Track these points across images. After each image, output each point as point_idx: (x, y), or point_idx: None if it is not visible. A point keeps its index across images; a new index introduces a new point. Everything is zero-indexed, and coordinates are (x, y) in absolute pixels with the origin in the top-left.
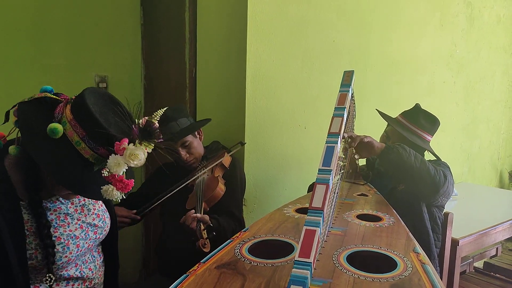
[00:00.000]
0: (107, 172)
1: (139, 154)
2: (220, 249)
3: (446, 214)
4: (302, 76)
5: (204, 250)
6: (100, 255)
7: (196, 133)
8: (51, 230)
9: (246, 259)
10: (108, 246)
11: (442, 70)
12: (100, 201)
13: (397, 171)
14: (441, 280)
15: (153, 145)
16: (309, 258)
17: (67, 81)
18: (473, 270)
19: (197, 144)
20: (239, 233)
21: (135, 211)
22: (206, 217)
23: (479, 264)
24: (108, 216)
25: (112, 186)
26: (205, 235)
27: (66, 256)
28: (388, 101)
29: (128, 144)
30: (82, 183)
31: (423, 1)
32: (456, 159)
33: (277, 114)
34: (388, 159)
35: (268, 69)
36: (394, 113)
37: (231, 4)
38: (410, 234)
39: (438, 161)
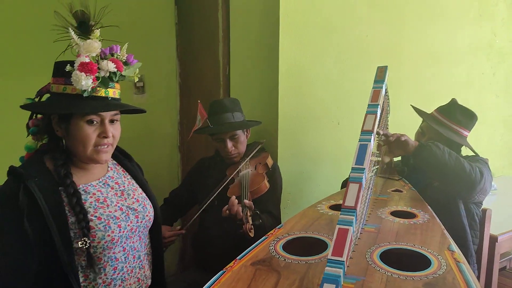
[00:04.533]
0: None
1: (90, 44)
2: (255, 246)
3: (484, 210)
4: (335, 71)
5: (250, 234)
6: (146, 247)
7: (244, 130)
8: (91, 211)
9: (280, 256)
10: (152, 236)
11: (481, 61)
12: (140, 190)
13: (431, 169)
14: (480, 277)
15: (97, 31)
16: (342, 256)
17: None
18: None
19: (243, 140)
20: (273, 230)
21: (179, 227)
22: (252, 205)
23: None
24: (150, 204)
25: (77, 73)
26: (250, 221)
27: (108, 235)
28: (424, 95)
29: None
30: (79, 107)
31: None
32: (496, 152)
33: (310, 110)
34: (421, 157)
35: (301, 65)
36: (430, 107)
37: (263, 2)
38: (445, 231)
39: (476, 157)
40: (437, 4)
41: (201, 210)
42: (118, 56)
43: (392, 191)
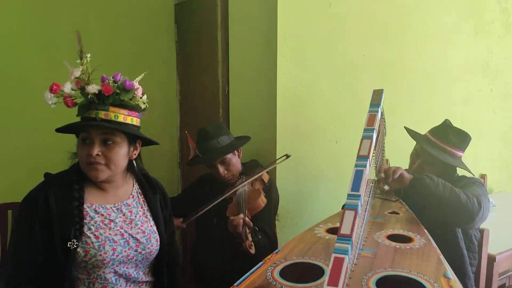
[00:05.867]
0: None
1: (72, 71)
2: (252, 272)
3: (482, 231)
4: (332, 91)
5: (251, 251)
6: (146, 277)
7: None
8: (93, 229)
9: (277, 282)
10: (155, 269)
11: (477, 78)
12: (152, 222)
13: (426, 202)
14: None
15: (87, 57)
16: (337, 286)
17: None
18: None
19: (235, 161)
20: (270, 255)
21: (181, 219)
22: (251, 222)
23: None
24: (157, 238)
25: (47, 92)
26: (250, 238)
27: (100, 255)
28: (421, 113)
29: None
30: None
31: (455, 10)
32: (494, 167)
33: (308, 129)
34: (416, 190)
35: (299, 85)
36: (427, 126)
37: (261, 24)
38: (441, 256)
39: (472, 179)
40: (433, 23)
41: (206, 209)
42: (109, 82)
43: (389, 213)
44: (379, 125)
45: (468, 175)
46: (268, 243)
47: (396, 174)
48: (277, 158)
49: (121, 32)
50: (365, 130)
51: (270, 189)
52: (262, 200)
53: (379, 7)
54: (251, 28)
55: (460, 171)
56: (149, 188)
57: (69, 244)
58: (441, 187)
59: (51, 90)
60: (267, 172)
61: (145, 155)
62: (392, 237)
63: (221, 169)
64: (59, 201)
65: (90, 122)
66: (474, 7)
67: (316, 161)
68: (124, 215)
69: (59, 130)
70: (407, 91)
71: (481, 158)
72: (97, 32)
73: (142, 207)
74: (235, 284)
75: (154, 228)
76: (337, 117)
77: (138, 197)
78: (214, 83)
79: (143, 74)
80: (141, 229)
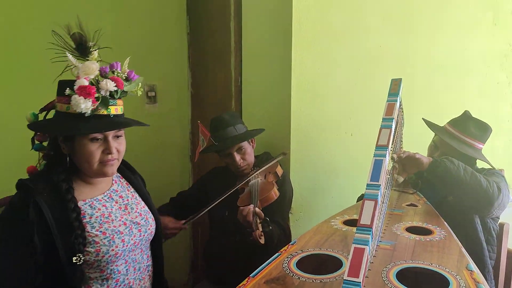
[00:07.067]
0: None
1: (88, 66)
2: (269, 263)
3: (502, 225)
4: (347, 83)
5: (260, 241)
6: (148, 259)
7: (249, 141)
8: (96, 226)
9: (294, 274)
10: (154, 248)
11: (496, 70)
12: (143, 203)
13: (446, 186)
14: None
15: (95, 52)
16: (358, 277)
17: None
18: None
19: (250, 151)
20: (287, 246)
21: (182, 221)
22: (262, 213)
23: None
24: (152, 217)
25: (77, 96)
26: (260, 228)
27: (113, 250)
28: (437, 106)
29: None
30: (83, 128)
31: (473, 0)
32: None
33: (323, 122)
34: (436, 173)
35: (313, 77)
36: (443, 118)
37: (276, 14)
38: (462, 249)
39: (491, 170)
40: (450, 14)
41: (207, 209)
42: (118, 74)
43: (407, 205)
44: (397, 115)
45: (488, 167)
46: (283, 236)
47: (416, 155)
48: (275, 156)
49: (132, 24)
50: (383, 119)
51: (284, 183)
52: (275, 193)
53: None
54: (265, 18)
55: (479, 164)
56: (126, 169)
57: (75, 260)
58: (462, 170)
59: (87, 93)
60: (280, 165)
61: (157, 148)
62: (411, 230)
63: (237, 157)
64: (52, 207)
65: (108, 120)
66: None
67: (331, 154)
68: (116, 202)
69: (75, 133)
70: (423, 82)
71: (499, 152)
72: (108, 24)
73: (128, 190)
74: (251, 275)
75: (146, 208)
76: (353, 109)
77: (120, 180)
78: (226, 74)
79: (128, 58)
80: (138, 212)
